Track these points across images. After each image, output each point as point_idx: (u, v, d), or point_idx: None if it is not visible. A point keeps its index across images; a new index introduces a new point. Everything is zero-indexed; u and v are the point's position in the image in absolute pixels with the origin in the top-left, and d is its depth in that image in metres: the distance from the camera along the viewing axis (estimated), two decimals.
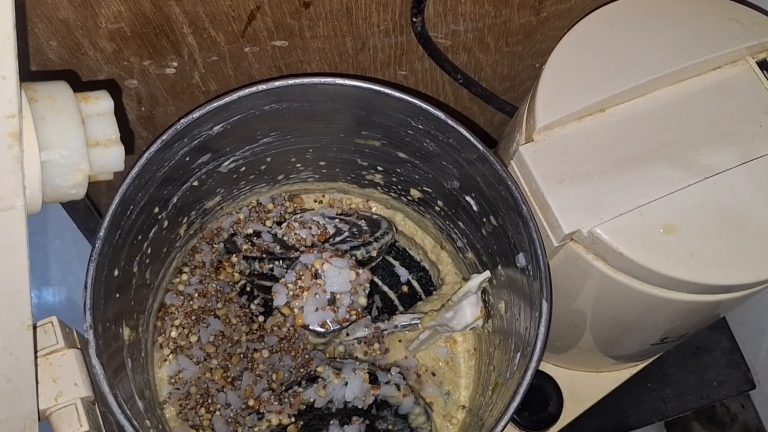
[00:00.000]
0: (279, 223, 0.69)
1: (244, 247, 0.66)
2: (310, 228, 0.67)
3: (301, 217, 0.68)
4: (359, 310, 0.62)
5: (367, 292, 0.62)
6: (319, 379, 0.61)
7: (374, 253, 0.66)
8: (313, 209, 0.72)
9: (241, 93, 0.56)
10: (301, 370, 0.64)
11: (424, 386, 0.66)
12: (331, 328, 0.61)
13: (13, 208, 0.39)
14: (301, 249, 0.65)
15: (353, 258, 0.64)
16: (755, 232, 0.55)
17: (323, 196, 0.72)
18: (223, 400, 0.62)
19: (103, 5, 0.55)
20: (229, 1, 0.57)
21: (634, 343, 0.71)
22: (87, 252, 0.51)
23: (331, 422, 0.61)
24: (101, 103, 0.44)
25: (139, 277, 0.60)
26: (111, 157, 0.43)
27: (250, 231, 0.68)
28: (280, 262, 0.64)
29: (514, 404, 0.51)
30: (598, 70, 0.58)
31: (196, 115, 0.55)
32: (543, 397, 0.78)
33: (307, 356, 0.65)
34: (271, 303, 0.65)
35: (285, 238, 0.67)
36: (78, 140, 0.41)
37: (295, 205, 0.71)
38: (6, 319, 0.44)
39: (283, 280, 0.62)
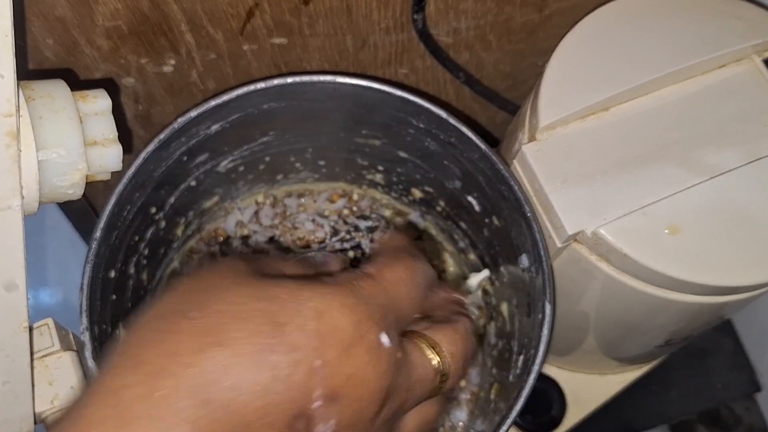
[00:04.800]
0: (275, 225, 0.68)
1: (240, 249, 0.66)
2: (307, 229, 0.66)
3: (296, 217, 0.68)
4: None
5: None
6: None
7: (370, 253, 0.65)
8: (312, 210, 0.71)
9: (240, 91, 0.55)
10: None
11: None
12: None
13: (10, 208, 0.39)
14: (296, 250, 0.65)
15: (348, 258, 0.63)
16: (761, 233, 0.54)
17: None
18: None
19: (100, 3, 0.54)
20: None
21: (638, 345, 0.71)
22: (83, 253, 0.51)
23: None
24: (99, 102, 0.43)
25: (135, 279, 0.59)
26: (109, 157, 0.43)
27: (245, 232, 0.67)
28: None
29: (517, 407, 0.51)
30: (602, 69, 0.58)
31: (193, 114, 0.54)
32: (546, 399, 0.78)
33: None
34: None
35: (281, 239, 0.66)
36: (76, 140, 0.41)
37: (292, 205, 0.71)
38: (2, 321, 0.43)
39: None
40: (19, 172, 0.38)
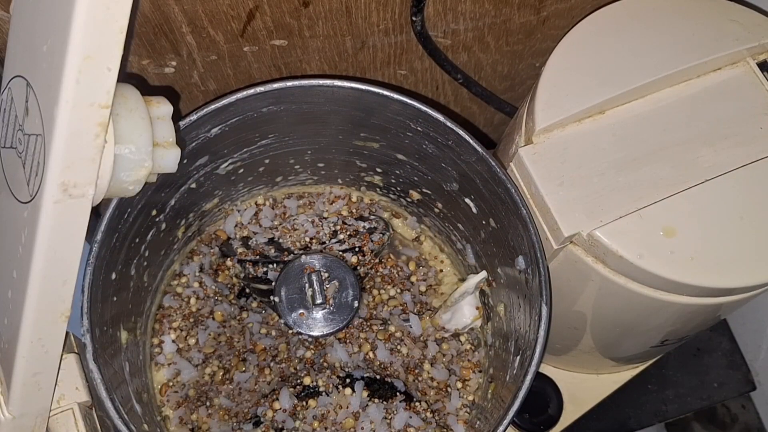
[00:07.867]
0: (275, 226, 0.68)
1: (239, 250, 0.66)
2: (306, 230, 0.67)
3: (296, 219, 0.68)
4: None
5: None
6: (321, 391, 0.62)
7: (370, 254, 0.65)
8: (311, 211, 0.71)
9: (239, 95, 0.55)
10: (300, 374, 0.64)
11: None
12: (324, 333, 0.62)
13: (84, 196, 0.40)
14: (295, 251, 0.65)
15: (347, 259, 0.64)
16: (756, 235, 0.54)
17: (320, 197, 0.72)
18: (222, 402, 0.62)
19: None
20: (228, 1, 0.57)
21: (634, 345, 0.71)
22: (84, 255, 0.51)
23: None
24: (162, 107, 0.46)
25: (136, 280, 0.59)
26: (169, 158, 0.46)
27: (245, 234, 0.68)
28: (274, 265, 0.64)
29: (514, 407, 0.51)
30: (598, 72, 0.58)
31: (193, 117, 0.55)
32: (543, 399, 0.78)
33: (304, 361, 0.64)
34: (268, 305, 0.65)
35: (280, 240, 0.66)
36: (146, 138, 0.43)
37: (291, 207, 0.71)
38: (48, 309, 0.44)
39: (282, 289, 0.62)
40: (100, 162, 0.40)
